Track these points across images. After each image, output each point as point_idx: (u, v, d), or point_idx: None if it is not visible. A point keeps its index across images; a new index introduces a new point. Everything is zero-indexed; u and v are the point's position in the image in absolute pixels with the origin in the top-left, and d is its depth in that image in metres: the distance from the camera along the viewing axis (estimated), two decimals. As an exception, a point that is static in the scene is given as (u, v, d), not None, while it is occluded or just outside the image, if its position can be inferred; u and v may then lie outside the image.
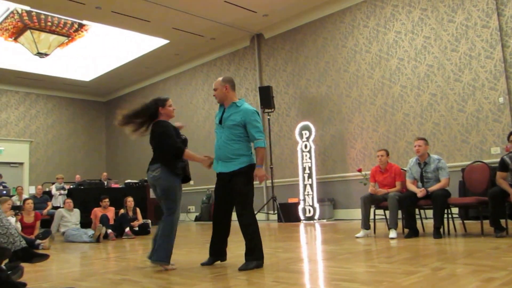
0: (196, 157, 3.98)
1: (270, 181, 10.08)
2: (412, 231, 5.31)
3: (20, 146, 14.99)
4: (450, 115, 7.88)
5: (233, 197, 3.75)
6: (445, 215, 5.32)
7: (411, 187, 5.53)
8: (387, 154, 5.96)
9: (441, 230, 5.20)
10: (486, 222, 4.99)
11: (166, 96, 4.19)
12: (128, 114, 4.04)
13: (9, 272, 3.04)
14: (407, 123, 8.44)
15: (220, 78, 3.95)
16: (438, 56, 8.09)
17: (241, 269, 3.49)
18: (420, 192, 5.33)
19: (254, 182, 3.76)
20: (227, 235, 3.91)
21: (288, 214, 9.42)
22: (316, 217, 9.17)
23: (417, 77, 8.35)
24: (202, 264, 3.83)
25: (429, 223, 6.19)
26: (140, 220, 8.23)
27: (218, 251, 3.90)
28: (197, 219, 12.09)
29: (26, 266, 3.32)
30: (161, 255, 3.67)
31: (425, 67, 8.24)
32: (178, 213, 3.84)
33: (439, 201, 5.15)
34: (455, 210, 5.98)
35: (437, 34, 8.12)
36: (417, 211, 5.66)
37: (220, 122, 3.87)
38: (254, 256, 3.58)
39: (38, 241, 6.29)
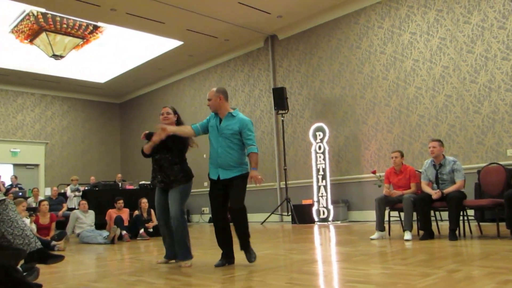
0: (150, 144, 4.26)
1: (284, 182, 10.07)
2: (427, 233, 5.25)
3: (36, 148, 15.18)
4: (466, 117, 7.78)
5: (231, 197, 3.96)
6: (461, 217, 5.25)
7: (426, 188, 5.47)
8: (402, 156, 5.91)
9: (457, 232, 5.13)
10: (503, 225, 4.92)
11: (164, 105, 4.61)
12: None
13: (25, 274, 3.08)
14: (422, 124, 8.36)
15: (214, 89, 4.20)
16: (453, 57, 8.00)
17: (251, 261, 3.87)
18: (435, 194, 5.27)
19: (251, 184, 4.12)
20: (231, 237, 4.06)
21: (302, 215, 9.39)
22: (330, 218, 9.12)
23: (432, 79, 8.26)
24: (216, 266, 3.86)
25: (445, 225, 6.11)
26: (154, 221, 8.24)
27: (228, 254, 4.00)
28: (211, 220, 12.12)
29: (41, 267, 3.36)
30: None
31: (441, 68, 8.15)
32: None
33: (454, 203, 5.08)
34: (470, 212, 5.90)
35: (452, 35, 8.03)
36: (432, 213, 5.60)
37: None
38: (251, 248, 3.97)
39: (53, 243, 6.36)
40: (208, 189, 4.14)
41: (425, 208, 5.33)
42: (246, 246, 3.94)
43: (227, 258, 3.96)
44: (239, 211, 3.95)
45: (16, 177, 12.74)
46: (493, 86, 7.48)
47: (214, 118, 4.14)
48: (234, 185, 3.94)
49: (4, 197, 3.41)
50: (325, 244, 5.77)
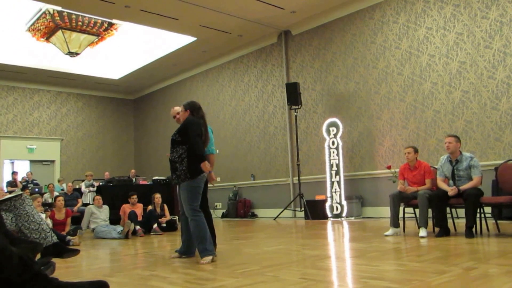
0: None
1: (297, 178, 10.04)
2: (443, 230, 5.17)
3: (51, 144, 15.39)
4: (483, 113, 7.65)
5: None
6: (478, 215, 5.17)
7: (442, 185, 5.39)
8: (415, 151, 5.82)
9: (473, 230, 5.05)
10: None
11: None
12: None
13: (41, 268, 3.11)
14: (437, 120, 8.25)
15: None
16: (470, 53, 7.87)
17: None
18: (451, 190, 5.19)
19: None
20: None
21: (315, 211, 9.36)
22: (344, 214, 9.07)
23: (448, 74, 8.14)
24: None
25: (461, 223, 6.03)
26: (168, 216, 8.31)
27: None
28: (223, 215, 12.16)
29: (57, 261, 3.39)
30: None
31: (457, 64, 8.03)
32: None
33: (471, 200, 5.00)
34: (488, 209, 5.80)
35: (470, 30, 7.89)
36: (448, 209, 5.52)
37: None
38: None
39: (68, 237, 6.43)
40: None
41: (441, 205, 5.25)
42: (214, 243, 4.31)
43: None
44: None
45: (31, 173, 12.94)
46: (511, 82, 7.34)
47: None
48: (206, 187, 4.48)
49: (20, 192, 3.46)
50: (338, 240, 5.74)
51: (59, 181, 12.99)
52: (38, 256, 3.19)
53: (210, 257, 3.87)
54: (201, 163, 4.00)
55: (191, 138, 4.03)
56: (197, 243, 3.98)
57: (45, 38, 10.89)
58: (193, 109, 4.30)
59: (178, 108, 4.83)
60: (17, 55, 12.53)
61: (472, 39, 7.85)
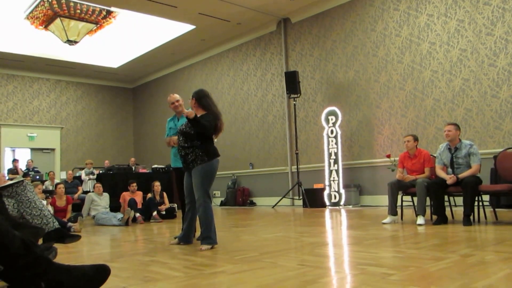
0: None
1: (296, 166, 10.07)
2: (440, 218, 5.21)
3: (51, 133, 15.41)
4: (483, 101, 7.65)
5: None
6: (476, 203, 5.19)
7: (441, 173, 5.41)
8: (415, 140, 5.84)
9: (471, 218, 5.08)
10: (519, 210, 4.86)
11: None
12: None
13: (44, 252, 3.14)
14: (437, 108, 8.25)
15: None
16: (472, 40, 7.84)
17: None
18: (450, 179, 5.21)
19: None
20: None
21: (313, 199, 9.40)
22: (342, 203, 9.12)
23: (449, 62, 8.12)
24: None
25: (458, 211, 6.07)
26: (167, 204, 8.36)
27: None
28: (222, 204, 12.22)
29: (58, 247, 3.42)
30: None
31: (458, 52, 8.00)
32: None
33: (469, 188, 5.02)
34: (486, 197, 5.84)
35: (471, 17, 7.85)
36: (446, 198, 5.55)
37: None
38: None
39: (69, 224, 6.47)
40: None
41: (439, 193, 5.28)
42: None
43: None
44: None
45: (32, 161, 12.96)
46: None
47: (172, 120, 5.09)
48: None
49: (22, 179, 3.48)
50: (336, 227, 5.78)
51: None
52: (40, 241, 3.22)
53: (210, 246, 3.88)
54: (214, 147, 4.07)
55: (204, 123, 3.93)
56: (203, 229, 3.94)
57: (43, 26, 10.84)
58: (199, 96, 4.14)
59: (176, 96, 4.84)
60: (16, 43, 12.46)
61: (474, 26, 7.82)
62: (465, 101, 7.88)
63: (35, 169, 12.58)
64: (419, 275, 2.51)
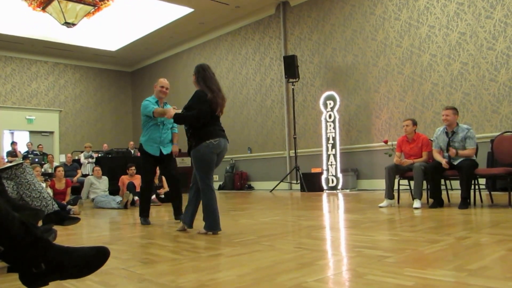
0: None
1: (294, 151, 10.10)
2: (436, 201, 5.26)
3: (50, 116, 15.38)
4: (481, 85, 7.64)
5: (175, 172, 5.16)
6: (472, 186, 5.24)
7: (437, 156, 5.44)
8: (414, 124, 5.85)
9: (468, 200, 5.12)
10: (514, 194, 4.90)
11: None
12: None
13: (43, 234, 3.17)
14: (435, 93, 8.24)
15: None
16: (471, 23, 7.80)
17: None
18: (445, 163, 5.24)
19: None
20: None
21: (311, 183, 9.45)
22: (339, 187, 9.17)
23: (448, 45, 8.09)
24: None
25: (455, 194, 6.12)
26: (166, 188, 8.38)
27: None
28: (220, 188, 12.28)
29: (58, 229, 3.46)
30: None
31: (457, 35, 7.97)
32: None
33: (466, 172, 5.06)
34: (482, 181, 5.88)
35: (471, 0, 7.80)
36: (442, 181, 5.59)
37: None
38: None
39: (69, 207, 6.51)
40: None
41: (436, 176, 5.32)
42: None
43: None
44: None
45: (31, 144, 12.97)
46: (511, 53, 7.30)
47: (157, 104, 5.00)
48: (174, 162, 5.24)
49: (21, 161, 3.49)
50: (333, 211, 5.83)
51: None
52: (40, 223, 3.25)
53: (205, 231, 3.79)
54: (206, 130, 3.81)
55: (186, 116, 3.86)
56: (203, 215, 3.85)
57: (41, 7, 10.70)
58: (195, 72, 3.98)
59: (165, 82, 5.05)
60: (14, 25, 12.35)
61: (473, 9, 7.77)
62: (463, 85, 7.88)
63: (34, 152, 12.59)
64: (414, 257, 2.55)
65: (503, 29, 7.41)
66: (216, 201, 3.89)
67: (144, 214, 4.94)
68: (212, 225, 3.80)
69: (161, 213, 6.39)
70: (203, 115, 3.79)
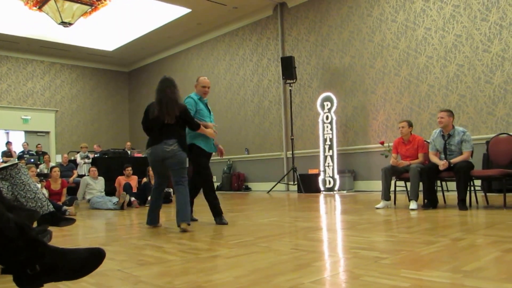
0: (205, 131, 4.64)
1: (291, 152, 10.10)
2: (429, 202, 5.27)
3: (46, 116, 15.31)
4: (477, 87, 7.67)
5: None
6: (468, 187, 5.25)
7: (434, 158, 5.46)
8: (410, 126, 5.87)
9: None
10: (510, 195, 4.92)
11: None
12: None
13: (38, 235, 3.15)
14: (431, 94, 8.27)
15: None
16: (467, 26, 7.83)
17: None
18: (442, 165, 5.26)
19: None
20: None
21: (308, 185, 9.46)
22: (336, 188, 9.18)
23: (444, 48, 8.12)
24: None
25: (451, 196, 6.14)
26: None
27: None
28: (218, 188, 12.26)
29: (53, 230, 3.44)
30: (188, 216, 4.20)
31: (453, 37, 8.00)
32: None
33: (462, 173, 5.08)
34: (477, 182, 5.90)
35: (467, 2, 7.83)
36: (438, 183, 5.60)
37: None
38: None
39: (64, 207, 6.48)
40: (214, 158, 4.39)
41: (431, 177, 5.33)
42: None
43: None
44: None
45: (27, 144, 12.91)
46: (506, 55, 7.34)
47: (200, 101, 4.77)
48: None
49: (16, 161, 3.48)
50: (330, 212, 5.83)
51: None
52: (35, 224, 3.23)
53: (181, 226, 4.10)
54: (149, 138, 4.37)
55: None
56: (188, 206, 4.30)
57: (37, 7, 10.66)
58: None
59: (206, 81, 4.92)
60: (10, 24, 12.30)
61: (469, 12, 7.80)
62: (459, 87, 7.90)
63: (30, 152, 12.54)
64: (410, 259, 2.55)
65: (498, 31, 7.44)
66: (158, 200, 4.60)
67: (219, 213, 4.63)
68: (178, 219, 4.15)
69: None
70: (143, 126, 4.44)
